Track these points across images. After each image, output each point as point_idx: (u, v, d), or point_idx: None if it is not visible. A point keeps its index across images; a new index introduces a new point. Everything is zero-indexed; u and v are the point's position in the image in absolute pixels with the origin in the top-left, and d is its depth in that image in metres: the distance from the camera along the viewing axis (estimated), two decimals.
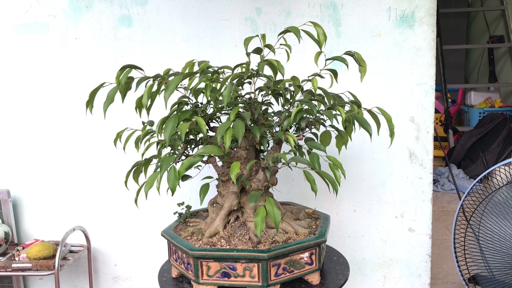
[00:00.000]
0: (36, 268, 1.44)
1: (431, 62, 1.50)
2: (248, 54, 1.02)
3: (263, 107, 1.15)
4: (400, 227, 1.60)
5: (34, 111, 1.64)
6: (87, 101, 1.01)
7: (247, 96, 1.13)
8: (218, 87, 1.12)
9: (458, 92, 4.54)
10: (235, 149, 1.09)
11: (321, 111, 1.05)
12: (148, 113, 1.02)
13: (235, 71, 1.08)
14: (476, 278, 1.56)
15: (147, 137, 1.12)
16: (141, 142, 1.10)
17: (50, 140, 1.65)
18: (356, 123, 1.06)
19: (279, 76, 1.37)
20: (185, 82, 1.32)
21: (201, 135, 1.11)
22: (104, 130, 1.62)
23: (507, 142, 3.47)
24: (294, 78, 1.11)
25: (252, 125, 1.01)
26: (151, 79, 0.99)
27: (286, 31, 1.00)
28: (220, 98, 1.08)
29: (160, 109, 1.46)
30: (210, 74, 1.01)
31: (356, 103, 1.09)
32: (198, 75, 1.02)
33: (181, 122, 0.95)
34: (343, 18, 1.51)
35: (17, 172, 1.67)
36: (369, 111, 1.06)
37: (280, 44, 1.11)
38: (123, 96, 0.99)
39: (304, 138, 1.10)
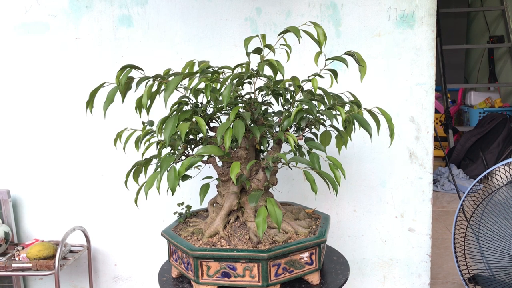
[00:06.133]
0: (36, 268, 1.44)
1: (431, 62, 1.50)
2: (248, 54, 1.02)
3: (263, 107, 1.15)
4: (400, 227, 1.60)
5: (34, 111, 1.64)
6: (87, 101, 1.01)
7: (247, 96, 1.13)
8: (218, 87, 1.12)
9: (458, 92, 4.54)
10: (235, 149, 1.09)
11: (321, 111, 1.05)
12: (148, 113, 1.02)
13: (235, 71, 1.08)
14: (476, 278, 1.57)
15: (147, 137, 1.12)
16: (141, 142, 1.10)
17: (50, 140, 1.65)
18: (356, 123, 1.06)
19: (279, 76, 1.37)
20: (185, 82, 1.32)
21: (201, 135, 1.11)
22: (104, 130, 1.62)
23: (507, 142, 3.47)
24: (294, 78, 1.11)
25: (252, 125, 1.01)
26: (151, 79, 0.99)
27: (286, 31, 1.00)
28: (220, 98, 1.08)
29: (160, 109, 1.46)
30: (210, 74, 1.01)
31: (356, 103, 1.09)
32: (198, 75, 1.02)
33: (181, 122, 0.95)
34: (343, 18, 1.51)
35: (17, 172, 1.67)
36: (369, 111, 1.06)
37: (280, 44, 1.11)
38: (123, 96, 0.99)
39: (304, 138, 1.10)
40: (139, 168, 1.10)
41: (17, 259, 1.48)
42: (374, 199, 1.59)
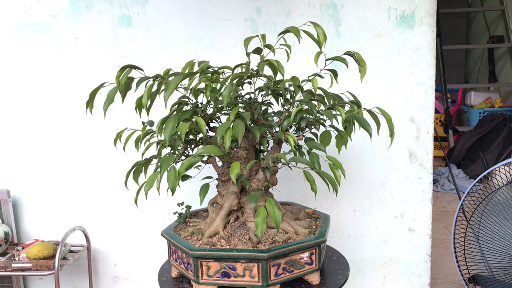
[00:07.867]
0: (36, 268, 1.44)
1: (431, 62, 1.50)
2: (248, 54, 1.02)
3: (263, 107, 1.15)
4: (400, 227, 1.60)
5: (34, 111, 1.64)
6: (87, 101, 1.01)
7: (247, 96, 1.13)
8: (218, 87, 1.12)
9: (458, 92, 4.54)
10: (235, 149, 1.09)
11: (321, 111, 1.05)
12: (148, 113, 1.02)
13: (235, 71, 1.08)
14: (476, 278, 1.57)
15: (147, 137, 1.12)
16: (141, 142, 1.10)
17: (50, 140, 1.65)
18: (356, 123, 1.06)
19: (279, 76, 1.37)
20: (185, 82, 1.32)
21: (201, 135, 1.11)
22: (104, 130, 1.62)
23: (507, 142, 3.47)
24: (294, 78, 1.11)
25: (252, 125, 1.01)
26: (151, 79, 0.99)
27: (286, 31, 1.00)
28: (220, 98, 1.08)
29: (160, 109, 1.46)
30: (210, 74, 1.01)
31: (356, 103, 1.09)
32: (198, 75, 1.02)
33: (181, 122, 0.95)
34: (343, 18, 1.51)
35: (17, 172, 1.67)
36: (369, 111, 1.06)
37: (280, 44, 1.11)
38: (123, 96, 0.99)
39: (304, 138, 1.10)
40: (139, 168, 1.10)
41: (17, 259, 1.48)
42: (374, 199, 1.59)
